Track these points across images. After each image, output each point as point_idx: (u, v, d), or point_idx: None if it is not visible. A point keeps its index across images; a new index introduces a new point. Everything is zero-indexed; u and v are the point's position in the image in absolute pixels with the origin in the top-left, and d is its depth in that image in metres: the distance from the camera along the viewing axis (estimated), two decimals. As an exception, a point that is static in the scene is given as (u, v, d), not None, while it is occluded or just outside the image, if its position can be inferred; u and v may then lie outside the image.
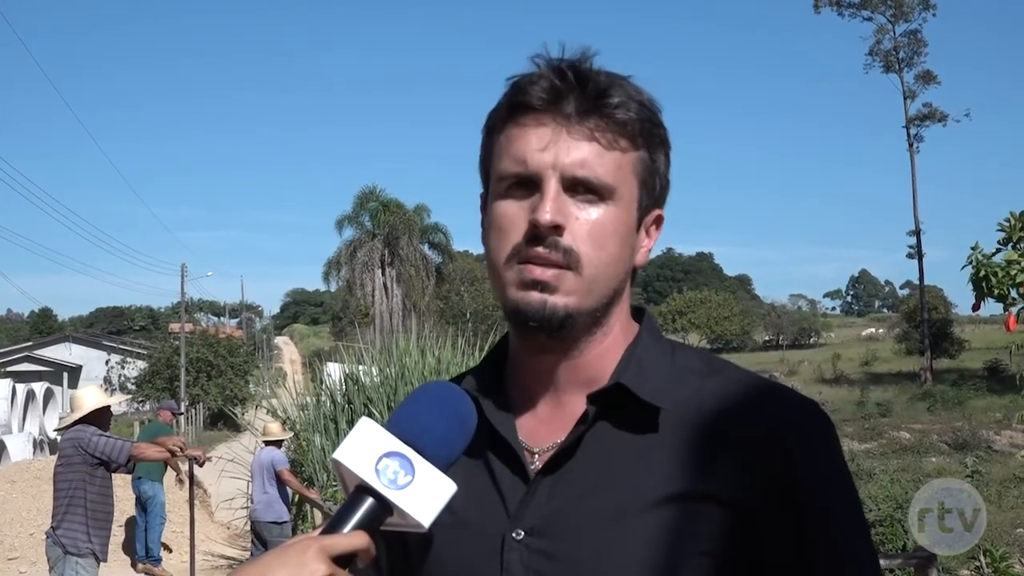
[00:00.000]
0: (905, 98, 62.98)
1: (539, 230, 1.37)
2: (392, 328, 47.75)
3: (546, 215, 1.36)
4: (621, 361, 1.45)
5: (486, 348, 13.73)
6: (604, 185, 1.38)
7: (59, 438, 11.34)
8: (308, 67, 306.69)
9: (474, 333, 15.77)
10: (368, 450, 1.30)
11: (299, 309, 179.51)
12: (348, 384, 14.00)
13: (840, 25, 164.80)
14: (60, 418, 9.89)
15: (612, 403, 1.41)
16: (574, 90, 1.38)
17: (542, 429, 1.47)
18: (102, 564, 8.61)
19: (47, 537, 8.61)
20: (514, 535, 1.40)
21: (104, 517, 8.53)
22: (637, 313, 1.54)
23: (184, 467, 11.55)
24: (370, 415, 12.70)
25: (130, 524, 14.94)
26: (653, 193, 1.44)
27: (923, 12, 62.74)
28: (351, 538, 1.26)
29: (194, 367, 56.41)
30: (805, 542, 1.36)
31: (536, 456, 1.45)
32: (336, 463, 1.32)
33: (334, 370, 15.96)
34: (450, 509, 1.38)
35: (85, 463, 8.35)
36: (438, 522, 1.38)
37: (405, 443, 1.31)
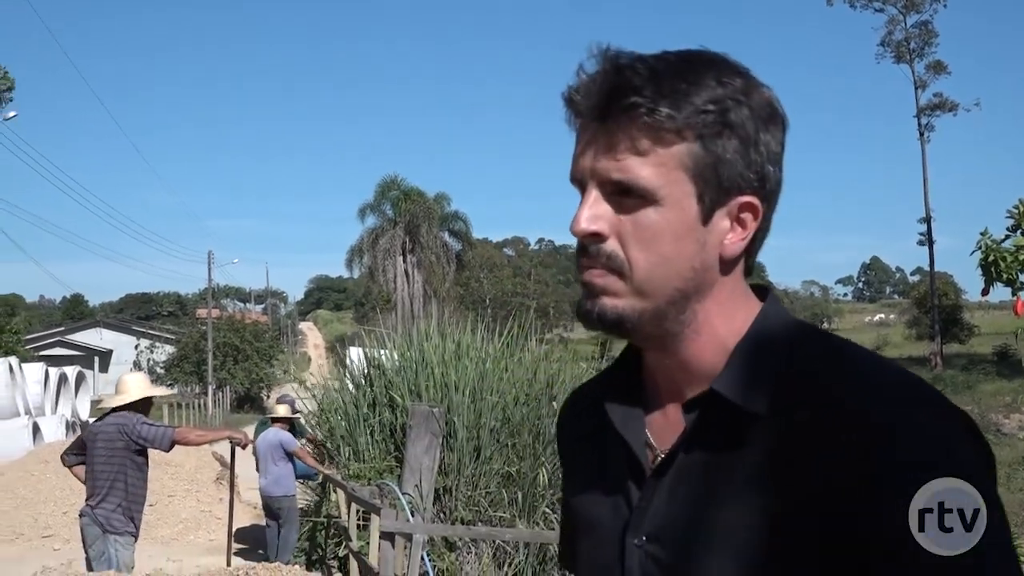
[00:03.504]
0: (916, 88, 62.83)
1: (578, 238, 1.35)
2: (413, 314, 47.87)
3: (576, 224, 1.34)
4: (727, 361, 1.37)
5: (505, 333, 13.85)
6: (643, 187, 1.32)
7: (91, 421, 11.39)
8: (332, 59, 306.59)
9: (493, 319, 15.73)
10: None
11: (322, 295, 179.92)
12: (371, 367, 14.00)
13: (852, 17, 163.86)
14: (100, 399, 10.00)
15: (712, 408, 1.35)
16: (609, 90, 1.32)
17: (667, 429, 1.41)
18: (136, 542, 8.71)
19: (83, 515, 8.66)
20: (635, 541, 1.37)
21: (141, 498, 8.65)
22: (762, 294, 1.46)
23: (226, 452, 11.61)
24: (391, 397, 12.80)
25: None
26: (719, 183, 1.33)
27: (934, 3, 62.59)
28: None
29: (221, 351, 56.62)
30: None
31: (658, 459, 1.39)
32: None
33: (356, 355, 15.98)
34: (587, 511, 1.40)
35: (128, 448, 8.46)
36: (582, 528, 1.41)
37: None
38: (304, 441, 13.36)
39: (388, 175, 63.70)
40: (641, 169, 1.31)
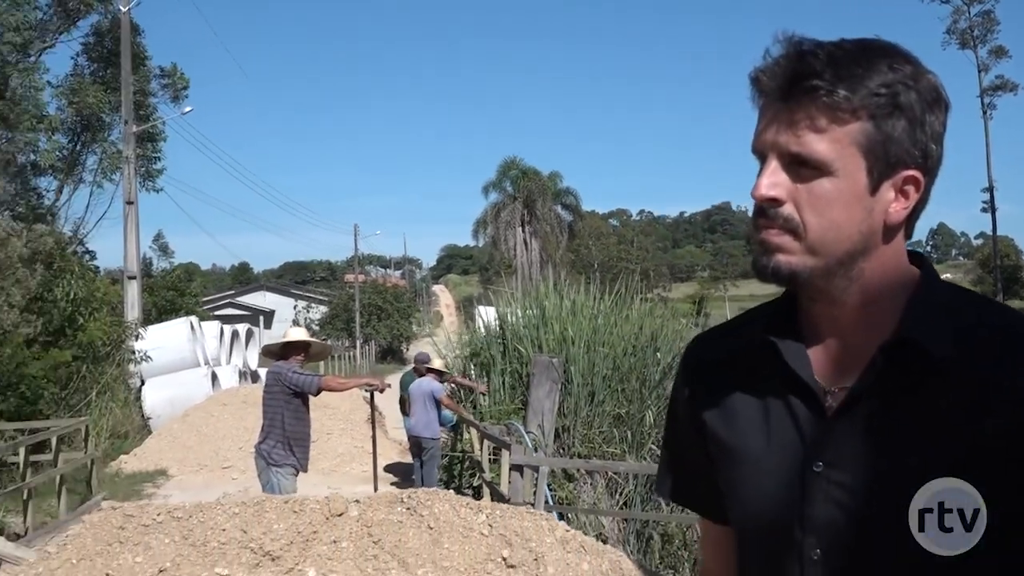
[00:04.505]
0: (979, 71, 60.94)
1: (757, 202, 1.37)
2: (531, 277, 47.88)
3: (757, 189, 1.35)
4: (905, 310, 1.38)
5: (611, 295, 13.85)
6: (819, 160, 1.33)
7: (263, 372, 11.68)
8: (455, 54, 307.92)
9: (601, 281, 15.69)
10: None
11: (452, 261, 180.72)
12: (499, 324, 14.12)
13: (919, 8, 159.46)
14: (270, 341, 10.30)
15: (900, 352, 1.34)
16: (792, 74, 1.33)
17: (833, 370, 1.40)
18: (302, 474, 8.88)
19: (254, 451, 8.92)
20: (815, 467, 1.36)
21: (300, 436, 8.80)
22: (917, 260, 1.45)
23: (367, 395, 11.79)
24: (516, 349, 12.89)
25: None
26: (887, 158, 1.33)
27: (995, -7, 60.46)
28: None
29: (366, 311, 57.50)
30: None
31: (829, 395, 1.39)
32: None
33: (485, 312, 16.10)
34: (747, 444, 1.40)
35: (283, 393, 8.67)
36: (738, 457, 1.39)
37: None
38: (448, 389, 13.47)
39: (508, 157, 64.30)
40: (818, 144, 1.32)
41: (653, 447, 11.80)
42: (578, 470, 11.26)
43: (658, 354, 12.78)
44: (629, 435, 11.93)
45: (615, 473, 11.09)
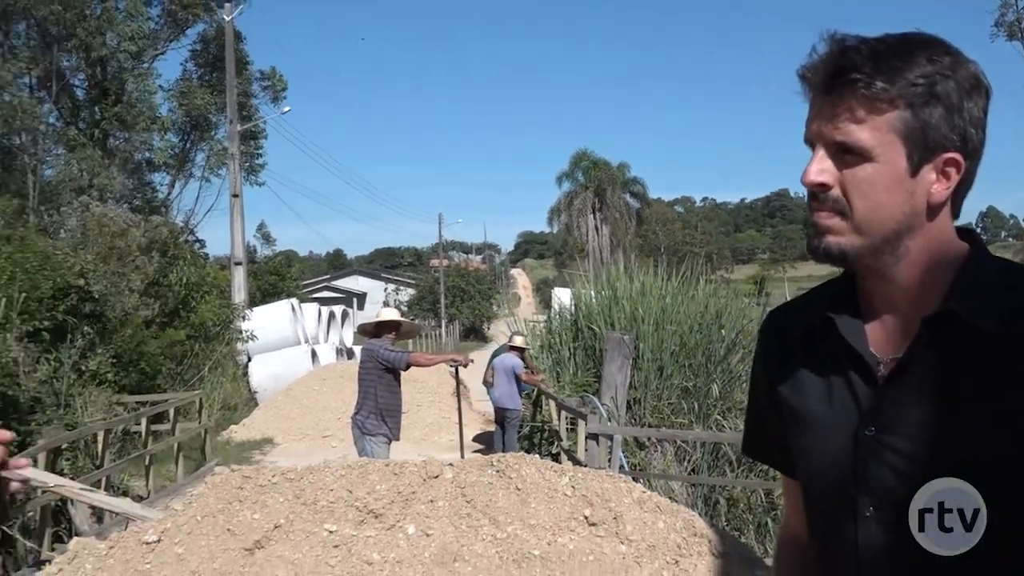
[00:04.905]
0: (1027, 61, 59.33)
1: (806, 187, 1.40)
2: (602, 260, 47.75)
3: (806, 176, 1.38)
4: (952, 285, 1.38)
5: (679, 277, 13.79)
6: (860, 147, 1.35)
7: (358, 349, 11.89)
8: (532, 55, 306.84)
9: (667, 264, 15.61)
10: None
11: (529, 246, 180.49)
12: (574, 304, 14.17)
13: (969, 2, 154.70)
14: (364, 321, 10.52)
15: (944, 324, 1.35)
16: (833, 68, 1.35)
17: (886, 342, 1.43)
18: (394, 443, 9.01)
19: (351, 421, 9.08)
20: (867, 432, 1.39)
21: (392, 407, 8.88)
22: (968, 237, 1.45)
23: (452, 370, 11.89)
24: (590, 328, 12.91)
25: None
26: (926, 143, 1.35)
27: (1043, -13, 58.67)
28: None
29: (450, 293, 57.70)
30: None
31: (882, 365, 1.41)
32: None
33: (561, 294, 16.13)
34: (812, 410, 1.43)
35: (376, 368, 8.79)
36: (805, 421, 1.43)
37: None
38: (526, 368, 13.57)
39: (579, 149, 64.53)
40: (860, 133, 1.34)
41: (719, 418, 11.77)
42: (649, 439, 11.27)
43: (722, 331, 12.72)
44: (696, 407, 11.90)
45: (683, 441, 11.08)
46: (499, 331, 19.88)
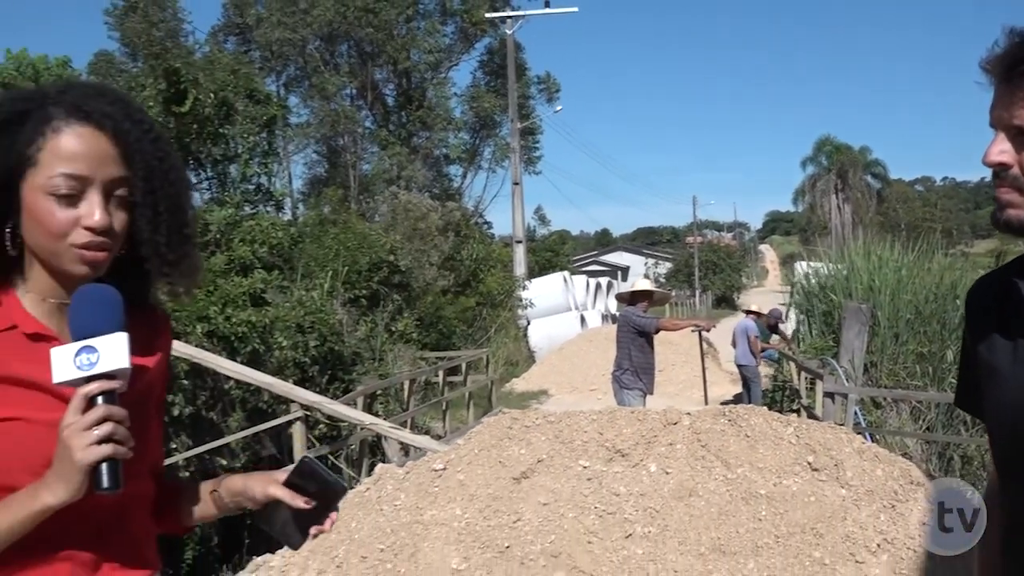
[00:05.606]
0: None
1: (987, 166, 1.39)
2: (843, 237, 45.63)
3: (986, 156, 1.37)
4: None
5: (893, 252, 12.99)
6: None
7: (618, 313, 12.10)
8: (779, 45, 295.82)
9: (906, 240, 14.75)
10: (63, 363, 1.24)
11: (775, 224, 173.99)
12: (817, 277, 13.75)
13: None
14: (621, 291, 10.80)
15: None
16: (1009, 60, 1.34)
17: None
18: (649, 397, 9.09)
19: (611, 377, 9.25)
20: None
21: (646, 366, 8.94)
22: None
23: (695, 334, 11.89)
24: (829, 298, 12.45)
25: None
26: None
27: None
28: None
29: (703, 266, 56.91)
30: None
31: None
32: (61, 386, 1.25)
33: (804, 268, 15.65)
34: (1000, 367, 1.43)
35: (630, 331, 8.89)
36: (994, 377, 1.43)
37: (78, 338, 1.24)
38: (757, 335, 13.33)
39: (822, 135, 62.96)
40: None
41: (953, 380, 11.03)
42: (884, 399, 10.76)
43: (957, 300, 11.90)
44: (931, 370, 11.22)
45: (918, 402, 10.51)
46: (749, 301, 19.50)
